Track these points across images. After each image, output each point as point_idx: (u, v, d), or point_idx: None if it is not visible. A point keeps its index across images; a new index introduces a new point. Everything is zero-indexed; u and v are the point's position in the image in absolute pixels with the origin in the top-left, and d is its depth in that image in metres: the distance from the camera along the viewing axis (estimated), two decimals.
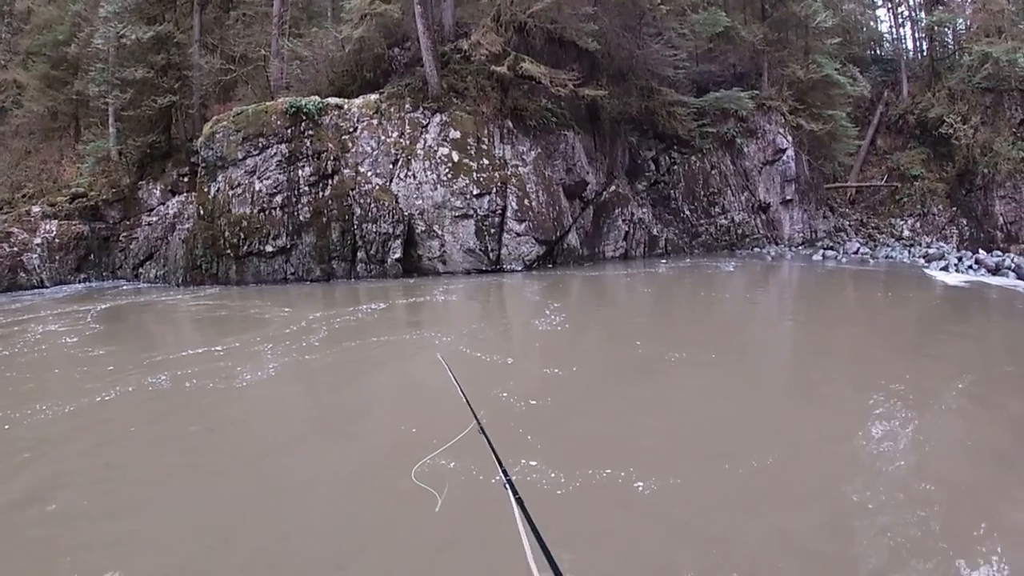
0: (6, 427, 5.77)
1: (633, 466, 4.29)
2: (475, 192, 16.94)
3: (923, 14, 29.71)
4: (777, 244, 22.26)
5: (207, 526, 3.91)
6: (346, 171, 17.05)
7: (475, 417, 2.79)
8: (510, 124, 17.99)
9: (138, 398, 6.52)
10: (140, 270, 19.48)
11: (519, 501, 2.00)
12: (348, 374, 7.71)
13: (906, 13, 31.55)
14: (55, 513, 4.07)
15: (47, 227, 19.62)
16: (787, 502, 3.98)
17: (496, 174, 17.18)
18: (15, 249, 19.09)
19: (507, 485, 2.14)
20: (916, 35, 31.51)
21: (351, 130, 17.41)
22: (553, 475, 4.18)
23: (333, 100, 17.78)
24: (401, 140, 17.38)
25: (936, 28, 28.55)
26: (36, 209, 20.05)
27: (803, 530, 3.62)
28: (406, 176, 17.15)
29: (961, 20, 28.75)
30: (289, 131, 17.06)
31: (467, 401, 2.99)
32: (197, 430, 5.65)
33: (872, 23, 33.69)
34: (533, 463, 4.31)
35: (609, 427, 5.45)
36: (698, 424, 5.45)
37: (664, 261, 19.52)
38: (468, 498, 3.91)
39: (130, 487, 4.54)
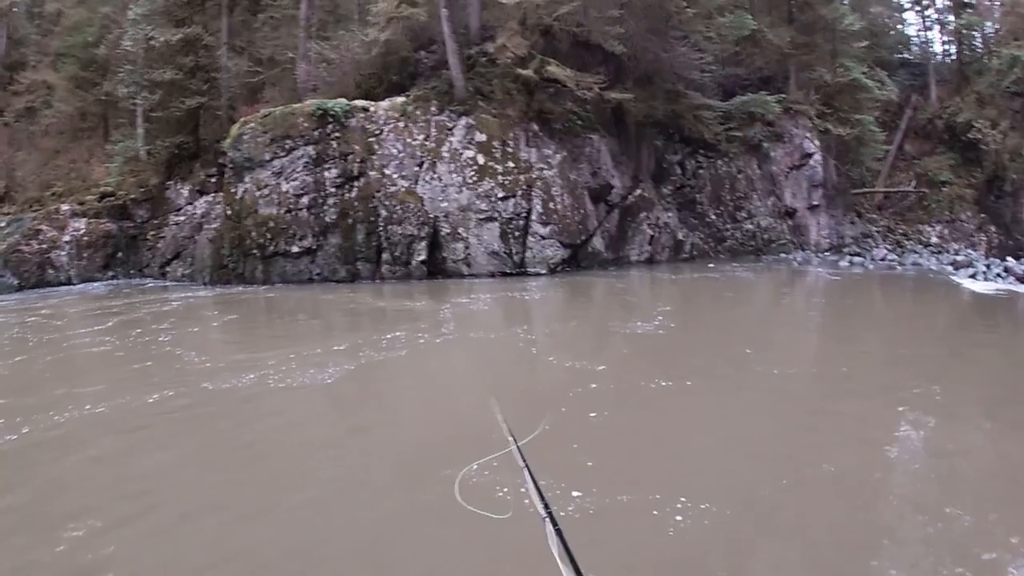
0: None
1: (672, 491, 4.12)
2: (500, 195, 16.93)
3: (951, 17, 29.20)
4: (803, 250, 21.99)
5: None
6: (372, 173, 17.11)
7: (519, 451, 2.68)
8: (535, 127, 17.98)
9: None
10: (167, 269, 19.69)
11: (558, 532, 1.94)
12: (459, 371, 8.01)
13: (934, 16, 31.03)
14: None
15: (76, 225, 19.93)
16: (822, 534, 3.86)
17: (521, 177, 17.16)
18: (44, 246, 19.42)
19: (546, 519, 2.07)
20: (944, 38, 31.02)
21: (377, 132, 17.49)
22: (582, 496, 4.07)
23: (360, 102, 17.86)
24: (427, 143, 17.43)
25: (964, 31, 28.07)
26: (65, 207, 20.40)
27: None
28: (431, 178, 17.19)
29: (990, 23, 28.34)
30: (316, 133, 17.17)
31: (514, 440, 2.87)
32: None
33: (900, 26, 33.17)
34: (564, 484, 4.21)
35: (665, 447, 5.28)
36: (752, 442, 5.27)
37: (711, 265, 19.40)
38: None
39: None
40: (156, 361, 8.30)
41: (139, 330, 10.59)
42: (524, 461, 2.58)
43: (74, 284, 19.08)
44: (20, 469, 4.95)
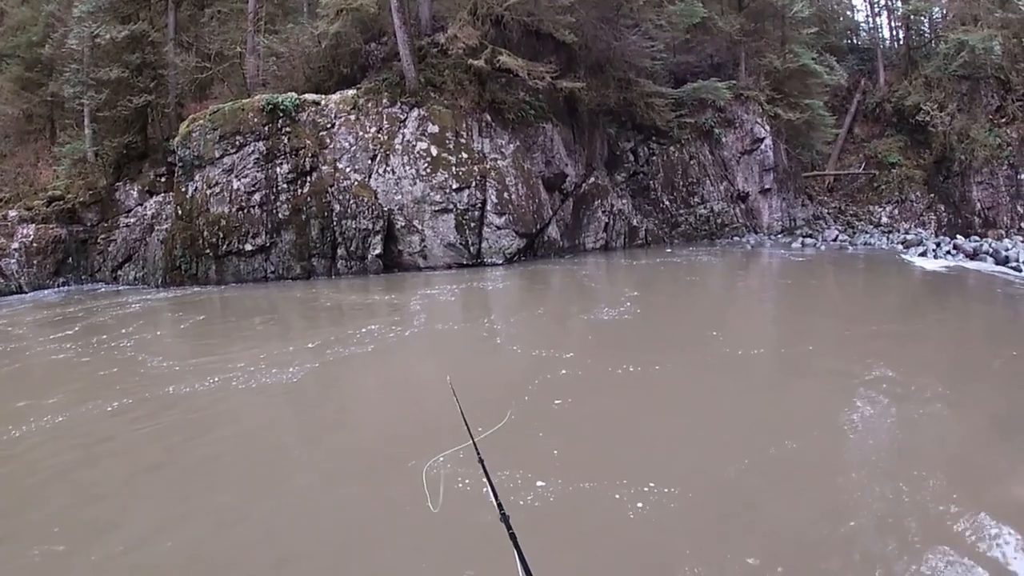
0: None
1: (638, 477, 4.09)
2: (454, 186, 16.93)
3: (899, 3, 29.97)
4: (756, 233, 22.40)
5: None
6: (324, 167, 16.97)
7: (475, 446, 2.69)
8: (488, 117, 17.98)
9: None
10: (119, 272, 19.29)
11: (512, 536, 1.97)
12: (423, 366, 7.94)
13: (882, 2, 31.85)
14: None
15: (24, 231, 19.36)
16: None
17: (475, 168, 17.17)
18: None
19: (502, 519, 2.10)
20: (892, 24, 31.84)
21: (328, 126, 17.34)
22: (545, 486, 4.04)
23: (310, 96, 17.68)
24: (379, 135, 17.34)
25: (912, 17, 28.76)
26: (12, 213, 19.78)
27: None
28: (385, 171, 17.12)
29: (937, 8, 29.02)
30: (266, 128, 16.96)
31: (468, 430, 2.85)
32: None
33: (848, 12, 33.95)
34: (529, 474, 4.19)
35: (632, 433, 5.25)
36: (719, 424, 5.29)
37: (668, 250, 19.64)
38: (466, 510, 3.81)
39: None
40: (120, 367, 8.06)
41: (102, 336, 10.27)
42: (480, 458, 2.60)
43: (25, 292, 18.56)
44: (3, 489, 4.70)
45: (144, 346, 9.43)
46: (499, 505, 2.17)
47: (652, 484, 3.96)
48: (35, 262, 19.26)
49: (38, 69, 23.91)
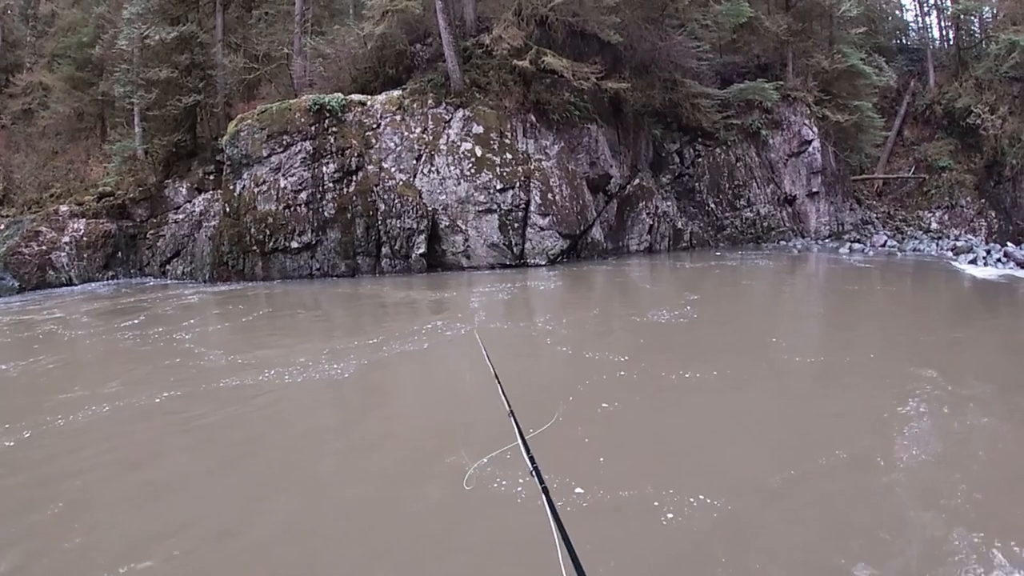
0: None
1: (683, 485, 4.01)
2: (498, 187, 16.89)
3: (949, 2, 29.17)
4: (803, 237, 21.93)
5: None
6: (370, 167, 17.08)
7: (507, 403, 2.73)
8: (533, 118, 17.92)
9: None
10: (167, 267, 19.66)
11: (545, 490, 1.99)
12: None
13: (932, 1, 31.01)
14: None
15: (75, 225, 19.84)
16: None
17: (519, 168, 17.12)
18: (44, 247, 19.34)
19: (533, 473, 2.13)
20: (942, 24, 30.97)
21: (374, 126, 17.45)
22: (584, 492, 3.97)
23: (356, 97, 17.82)
24: (424, 135, 17.39)
25: (962, 16, 27.99)
26: (64, 208, 20.32)
27: None
28: (429, 171, 17.16)
29: (987, 8, 28.20)
30: (313, 128, 17.12)
31: (501, 389, 2.88)
32: None
33: (897, 12, 33.17)
34: (571, 480, 4.11)
35: (684, 440, 5.13)
36: (772, 433, 5.18)
37: (717, 253, 19.31)
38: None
39: None
40: (178, 359, 8.15)
41: (159, 328, 10.41)
42: (511, 411, 2.64)
43: (75, 285, 19.02)
44: (44, 482, 4.64)
45: (201, 339, 9.54)
46: (531, 459, 2.20)
47: (700, 494, 3.88)
48: (85, 255, 19.73)
49: (89, 69, 24.62)
